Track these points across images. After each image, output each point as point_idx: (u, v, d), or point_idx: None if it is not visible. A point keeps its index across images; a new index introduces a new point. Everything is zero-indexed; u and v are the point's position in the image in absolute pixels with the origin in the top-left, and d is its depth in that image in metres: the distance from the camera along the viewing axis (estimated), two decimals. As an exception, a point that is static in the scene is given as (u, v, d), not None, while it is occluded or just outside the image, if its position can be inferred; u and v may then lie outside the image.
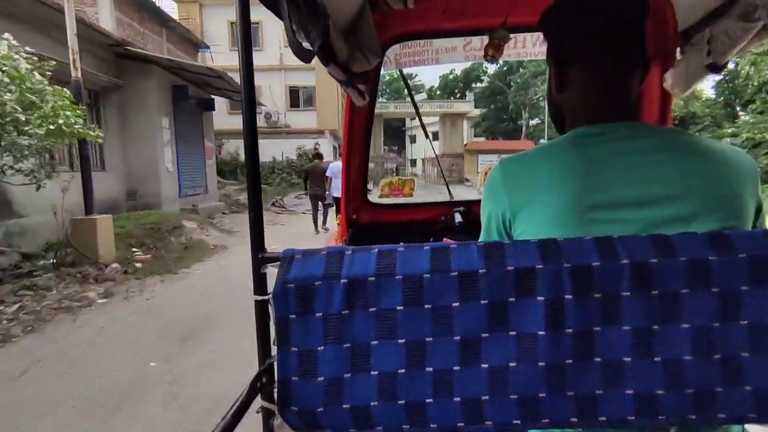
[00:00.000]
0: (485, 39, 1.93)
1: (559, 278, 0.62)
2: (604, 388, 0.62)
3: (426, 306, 0.64)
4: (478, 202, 2.05)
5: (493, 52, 1.67)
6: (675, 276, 0.61)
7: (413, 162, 46.02)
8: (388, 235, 2.10)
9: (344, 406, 0.65)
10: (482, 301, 0.63)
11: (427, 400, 0.64)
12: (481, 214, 0.86)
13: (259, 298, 0.74)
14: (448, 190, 2.47)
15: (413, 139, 46.11)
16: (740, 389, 0.62)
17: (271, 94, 21.08)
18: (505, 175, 0.79)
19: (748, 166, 0.75)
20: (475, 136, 39.81)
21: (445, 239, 1.86)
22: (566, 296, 0.62)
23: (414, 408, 0.64)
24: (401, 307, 0.64)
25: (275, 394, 0.68)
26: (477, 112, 39.86)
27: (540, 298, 0.62)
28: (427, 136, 2.47)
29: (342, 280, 0.65)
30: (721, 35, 1.30)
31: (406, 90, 2.08)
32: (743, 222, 0.71)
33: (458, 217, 2.04)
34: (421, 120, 2.44)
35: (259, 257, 0.74)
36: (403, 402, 0.64)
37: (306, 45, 0.98)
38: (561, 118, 0.89)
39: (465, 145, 32.45)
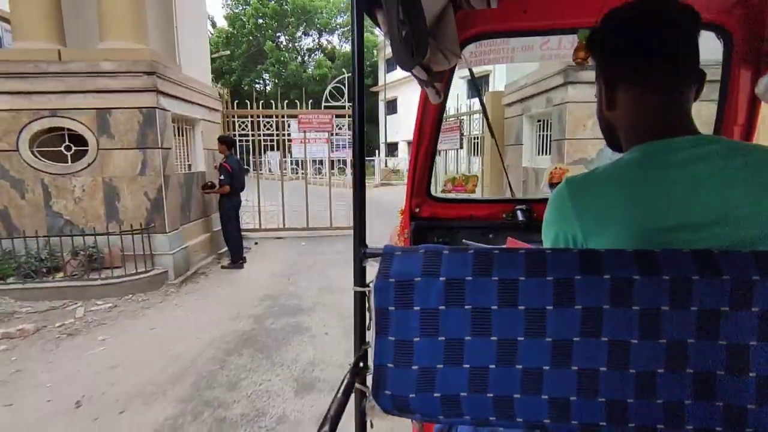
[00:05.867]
0: (562, 39, 1.90)
1: (657, 291, 0.64)
2: (691, 398, 0.65)
3: (520, 307, 0.67)
4: (539, 201, 2.04)
5: (584, 54, 1.62)
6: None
7: (392, 147, 27.49)
8: (448, 229, 2.14)
9: (435, 394, 0.70)
10: (576, 307, 0.66)
11: (515, 395, 0.68)
12: (544, 232, 0.85)
13: (359, 289, 0.81)
14: (510, 187, 2.46)
15: (392, 107, 27.42)
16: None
17: None
18: (574, 198, 0.77)
19: None
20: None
21: (508, 238, 1.87)
22: (663, 307, 0.64)
23: (502, 401, 0.69)
24: (495, 307, 0.68)
25: (369, 379, 0.74)
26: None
27: (635, 308, 0.65)
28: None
29: (440, 278, 0.70)
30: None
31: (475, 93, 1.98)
32: None
33: (520, 215, 2.04)
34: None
35: (361, 252, 0.80)
36: (491, 395, 0.69)
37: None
38: (613, 134, 0.89)
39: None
